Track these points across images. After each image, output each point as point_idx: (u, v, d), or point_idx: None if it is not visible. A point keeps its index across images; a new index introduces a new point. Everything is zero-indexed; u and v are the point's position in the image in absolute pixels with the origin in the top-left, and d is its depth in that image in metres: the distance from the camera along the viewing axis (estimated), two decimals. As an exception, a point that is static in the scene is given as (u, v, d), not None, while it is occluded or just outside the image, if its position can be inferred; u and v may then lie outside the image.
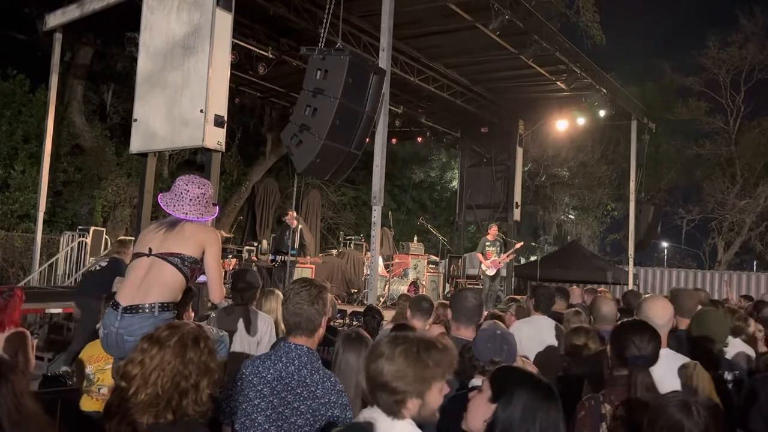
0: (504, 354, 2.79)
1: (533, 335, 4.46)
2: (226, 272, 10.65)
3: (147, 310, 3.12)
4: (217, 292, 3.38)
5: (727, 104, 25.66)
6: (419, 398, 1.89)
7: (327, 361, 2.64)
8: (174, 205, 3.35)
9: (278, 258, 10.28)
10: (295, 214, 10.74)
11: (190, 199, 3.35)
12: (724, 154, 25.22)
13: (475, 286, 12.99)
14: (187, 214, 3.34)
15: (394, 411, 1.89)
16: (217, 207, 3.55)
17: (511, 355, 2.83)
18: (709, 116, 25.58)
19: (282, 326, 3.62)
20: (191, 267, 3.27)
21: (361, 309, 7.01)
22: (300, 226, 10.70)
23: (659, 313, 3.20)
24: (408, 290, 11.94)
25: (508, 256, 12.27)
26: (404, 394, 1.88)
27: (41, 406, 1.60)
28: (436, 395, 1.92)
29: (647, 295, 4.03)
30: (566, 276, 15.87)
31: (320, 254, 16.02)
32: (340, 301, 11.55)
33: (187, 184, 3.38)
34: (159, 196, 3.43)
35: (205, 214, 3.41)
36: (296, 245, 10.27)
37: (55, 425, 1.63)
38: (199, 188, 3.39)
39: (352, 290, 13.25)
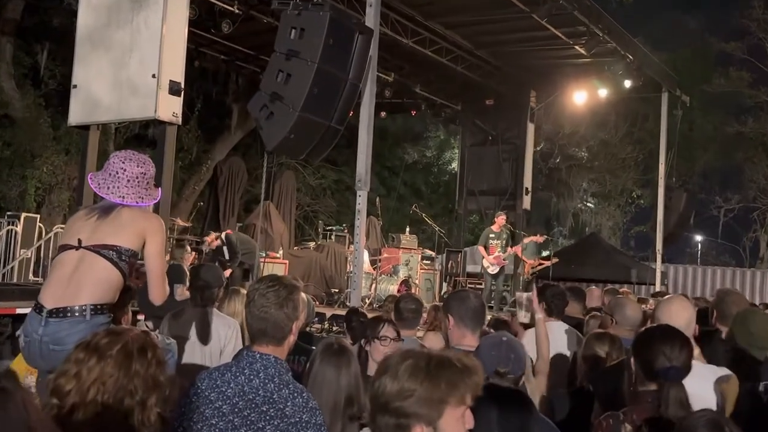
0: (511, 363, 2.80)
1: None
2: (182, 268, 10.66)
3: (77, 314, 3.07)
4: (158, 292, 3.35)
5: (773, 75, 25.83)
6: (429, 425, 1.77)
7: (298, 373, 2.63)
8: (108, 187, 3.30)
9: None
10: (214, 235, 11.42)
11: (128, 180, 3.31)
12: (770, 133, 25.42)
13: (477, 286, 13.03)
14: (123, 197, 3.30)
15: None
16: (159, 189, 3.51)
17: (518, 365, 2.85)
18: (753, 89, 25.73)
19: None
20: (129, 261, 3.24)
21: (343, 312, 7.00)
22: (221, 243, 11.23)
23: (675, 317, 3.21)
24: (398, 290, 11.94)
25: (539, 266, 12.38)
26: (409, 419, 1.77)
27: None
28: (454, 424, 1.79)
29: (666, 297, 4.04)
30: (583, 274, 15.98)
31: (296, 247, 16.00)
32: (318, 303, 11.55)
33: (123, 162, 3.33)
34: (89, 176, 3.39)
35: (145, 197, 3.38)
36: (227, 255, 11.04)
37: None
38: (138, 167, 3.35)
39: (333, 290, 13.26)
